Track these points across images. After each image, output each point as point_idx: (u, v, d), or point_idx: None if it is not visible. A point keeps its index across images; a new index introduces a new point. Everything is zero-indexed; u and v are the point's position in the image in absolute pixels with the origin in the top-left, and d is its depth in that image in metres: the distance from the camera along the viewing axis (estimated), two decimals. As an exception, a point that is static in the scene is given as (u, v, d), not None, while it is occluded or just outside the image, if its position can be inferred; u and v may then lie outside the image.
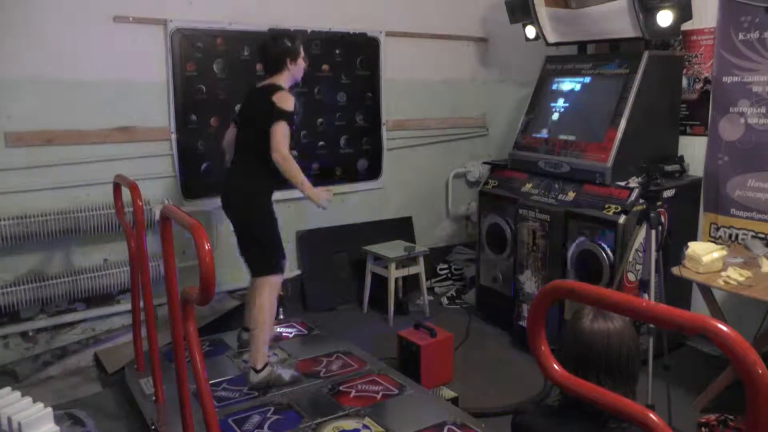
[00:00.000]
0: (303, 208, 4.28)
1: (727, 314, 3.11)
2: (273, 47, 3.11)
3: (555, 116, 3.89)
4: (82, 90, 3.48)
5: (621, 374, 1.46)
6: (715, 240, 3.55)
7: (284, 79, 3.12)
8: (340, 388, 3.03)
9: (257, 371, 3.02)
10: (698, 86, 3.64)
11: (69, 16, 3.39)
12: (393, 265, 4.10)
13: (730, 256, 3.06)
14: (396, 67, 4.60)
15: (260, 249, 3.12)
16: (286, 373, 3.11)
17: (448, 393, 3.09)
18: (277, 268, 3.11)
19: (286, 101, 2.99)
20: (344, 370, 3.24)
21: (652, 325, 2.72)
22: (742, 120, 3.42)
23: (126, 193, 2.92)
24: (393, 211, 4.81)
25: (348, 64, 4.40)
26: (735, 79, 3.44)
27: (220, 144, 3.51)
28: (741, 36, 3.38)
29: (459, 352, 3.62)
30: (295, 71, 3.16)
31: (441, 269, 4.93)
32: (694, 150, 3.68)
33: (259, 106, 3.03)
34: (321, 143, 4.38)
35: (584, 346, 1.47)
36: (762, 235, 3.36)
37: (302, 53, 3.17)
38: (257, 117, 3.02)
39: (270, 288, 3.07)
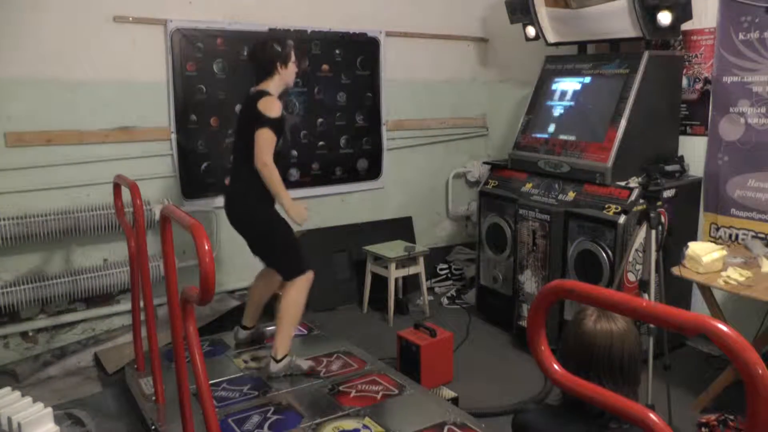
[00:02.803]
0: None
1: (727, 314, 3.11)
2: (262, 52, 3.08)
3: (555, 116, 3.89)
4: (82, 90, 3.48)
5: (623, 375, 1.46)
6: (715, 240, 3.55)
7: (275, 84, 3.09)
8: (340, 388, 3.03)
9: (277, 361, 3.10)
10: (698, 86, 3.64)
11: (69, 16, 3.39)
12: (393, 265, 4.10)
13: (730, 256, 3.06)
14: (396, 67, 4.61)
15: (281, 255, 3.13)
16: (305, 363, 3.18)
17: (448, 393, 3.09)
18: (304, 266, 3.13)
19: (270, 107, 2.95)
20: (344, 370, 3.24)
21: (652, 325, 2.72)
22: (742, 120, 3.42)
23: (126, 193, 2.92)
24: (393, 211, 4.81)
25: (348, 64, 4.41)
26: (735, 79, 3.44)
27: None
28: (741, 36, 3.38)
29: (459, 352, 3.62)
30: (286, 76, 3.12)
31: (441, 269, 4.93)
32: (694, 150, 3.68)
33: (248, 113, 3.04)
34: (321, 143, 4.38)
35: (587, 347, 1.47)
36: (762, 235, 3.36)
37: (293, 57, 3.13)
38: (246, 125, 3.02)
39: (304, 285, 3.13)
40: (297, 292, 3.11)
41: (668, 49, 3.73)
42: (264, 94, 3.02)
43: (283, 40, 3.15)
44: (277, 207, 3.12)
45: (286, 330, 3.11)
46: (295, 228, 3.20)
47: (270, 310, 3.55)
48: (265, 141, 2.92)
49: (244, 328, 3.48)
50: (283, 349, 3.12)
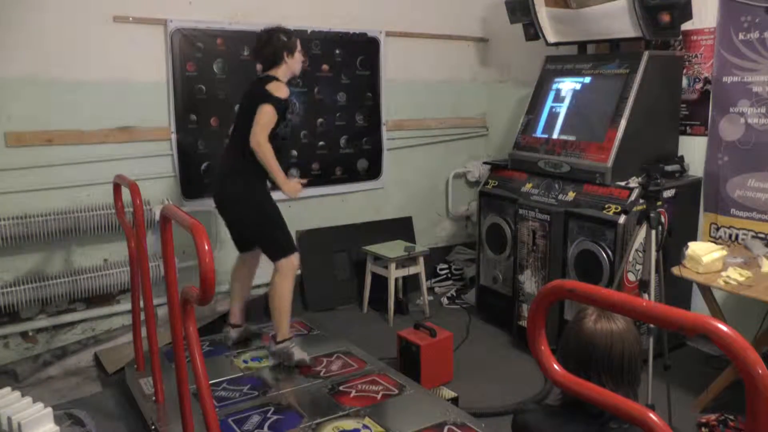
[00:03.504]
0: (303, 208, 4.29)
1: (727, 314, 3.11)
2: (269, 42, 3.14)
3: (555, 116, 3.89)
4: (82, 90, 3.48)
5: (623, 375, 1.46)
6: (715, 240, 3.55)
7: (282, 73, 3.16)
8: (340, 388, 3.03)
9: (277, 342, 3.21)
10: (698, 86, 3.64)
11: (69, 16, 3.39)
12: (393, 265, 4.10)
13: (730, 256, 3.06)
14: (396, 67, 4.60)
15: (269, 234, 3.20)
16: (298, 354, 3.23)
17: (448, 393, 3.09)
18: (291, 247, 3.22)
19: (279, 90, 3.04)
20: (344, 370, 3.24)
21: (652, 325, 2.71)
22: (742, 120, 3.42)
23: (126, 193, 2.92)
24: (393, 211, 4.80)
25: (348, 64, 4.40)
26: (735, 79, 3.44)
27: None
28: (741, 36, 3.38)
29: (459, 352, 3.62)
30: (292, 65, 3.19)
31: (441, 269, 4.93)
32: (694, 150, 3.68)
33: (255, 96, 3.08)
34: (321, 143, 4.38)
35: (586, 346, 1.47)
36: (762, 235, 3.36)
37: (299, 46, 3.20)
38: (250, 106, 3.06)
39: (290, 269, 3.19)
40: (283, 276, 3.18)
41: (668, 49, 3.73)
42: (273, 78, 3.09)
43: (288, 31, 3.20)
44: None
45: (281, 315, 3.20)
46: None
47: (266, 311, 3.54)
48: (266, 117, 3.00)
49: (234, 326, 3.49)
50: (282, 333, 3.22)
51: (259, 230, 3.23)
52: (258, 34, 3.22)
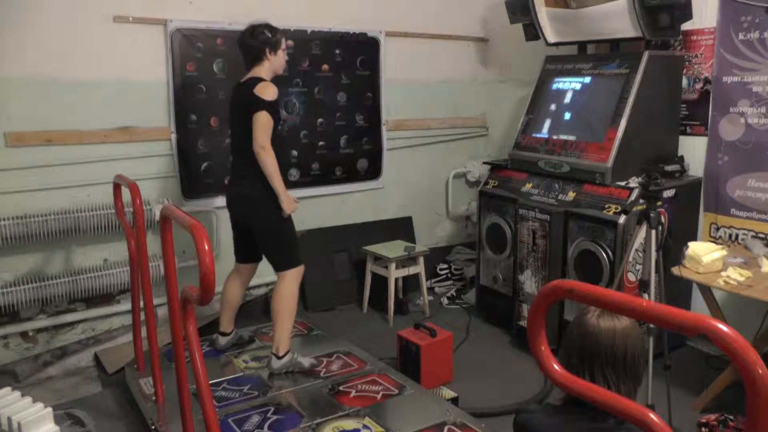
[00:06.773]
0: (303, 208, 4.28)
1: (727, 314, 3.11)
2: (251, 39, 3.08)
3: (555, 116, 3.89)
4: (82, 90, 3.48)
5: (626, 370, 1.46)
6: (715, 240, 3.55)
7: (265, 72, 3.09)
8: (340, 388, 3.03)
9: (279, 357, 3.13)
10: (698, 86, 3.64)
11: (69, 16, 3.39)
12: (393, 265, 4.10)
13: (730, 256, 3.06)
14: (396, 67, 4.60)
15: (280, 247, 3.15)
16: (306, 360, 3.20)
17: (448, 393, 3.09)
18: (298, 259, 3.18)
19: (266, 91, 2.97)
20: (344, 370, 3.24)
21: (652, 325, 2.71)
22: (742, 120, 3.42)
23: (126, 193, 2.92)
24: (393, 211, 4.81)
25: (348, 64, 4.40)
26: (735, 79, 3.44)
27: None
28: (741, 36, 3.38)
29: (459, 352, 3.62)
30: (275, 62, 3.12)
31: (441, 269, 4.93)
32: (694, 150, 3.68)
33: (244, 102, 3.02)
34: (321, 143, 4.38)
35: (590, 341, 1.47)
36: (762, 235, 3.36)
37: (283, 45, 3.14)
38: (243, 114, 3.00)
39: (295, 279, 3.16)
40: (289, 285, 3.13)
41: (668, 49, 3.73)
42: (258, 80, 3.02)
43: (273, 28, 3.13)
44: None
45: (285, 325, 3.12)
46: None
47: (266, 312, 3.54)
48: (263, 124, 2.93)
49: (223, 334, 3.45)
50: (284, 345, 3.14)
51: (272, 237, 3.13)
52: (244, 29, 3.18)
